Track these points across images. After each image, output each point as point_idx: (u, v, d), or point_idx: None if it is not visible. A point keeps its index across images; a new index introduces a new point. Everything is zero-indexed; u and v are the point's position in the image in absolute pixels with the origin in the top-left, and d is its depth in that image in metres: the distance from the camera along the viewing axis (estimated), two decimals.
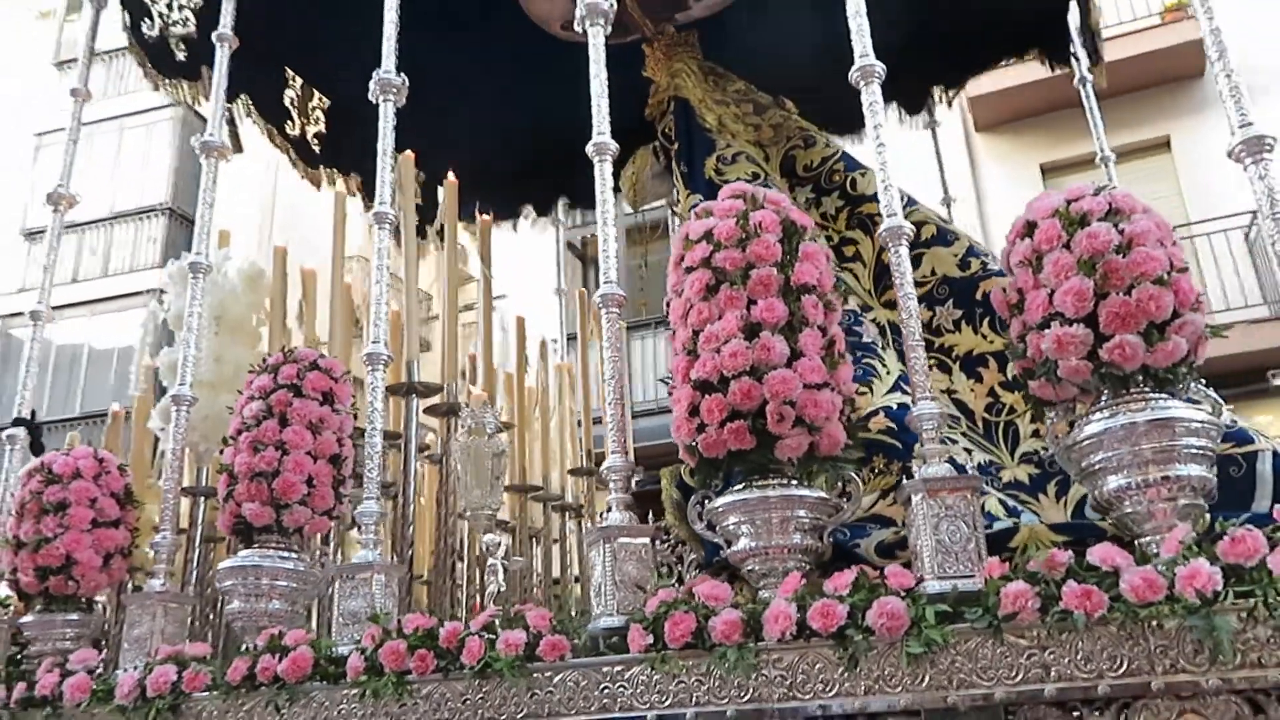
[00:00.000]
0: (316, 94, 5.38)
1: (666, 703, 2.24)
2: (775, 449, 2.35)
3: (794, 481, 2.40)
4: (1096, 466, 2.17)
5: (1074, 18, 4.87)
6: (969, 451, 2.84)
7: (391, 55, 3.39)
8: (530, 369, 5.06)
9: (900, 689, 2.06)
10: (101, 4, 4.34)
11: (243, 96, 4.93)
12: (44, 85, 16.03)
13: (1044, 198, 2.40)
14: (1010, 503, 2.61)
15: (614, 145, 2.93)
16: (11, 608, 3.36)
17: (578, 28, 3.09)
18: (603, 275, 2.80)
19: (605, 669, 2.33)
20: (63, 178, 3.90)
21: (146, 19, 4.57)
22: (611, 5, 3.09)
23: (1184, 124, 11.40)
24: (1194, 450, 2.12)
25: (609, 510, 2.58)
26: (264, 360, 3.20)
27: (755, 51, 4.78)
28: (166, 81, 4.53)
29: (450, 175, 4.04)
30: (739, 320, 2.41)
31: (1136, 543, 2.13)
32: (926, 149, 10.64)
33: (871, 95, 2.67)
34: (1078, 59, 4.90)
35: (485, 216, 4.41)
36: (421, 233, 5.83)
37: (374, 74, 3.34)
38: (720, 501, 2.42)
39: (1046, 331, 2.22)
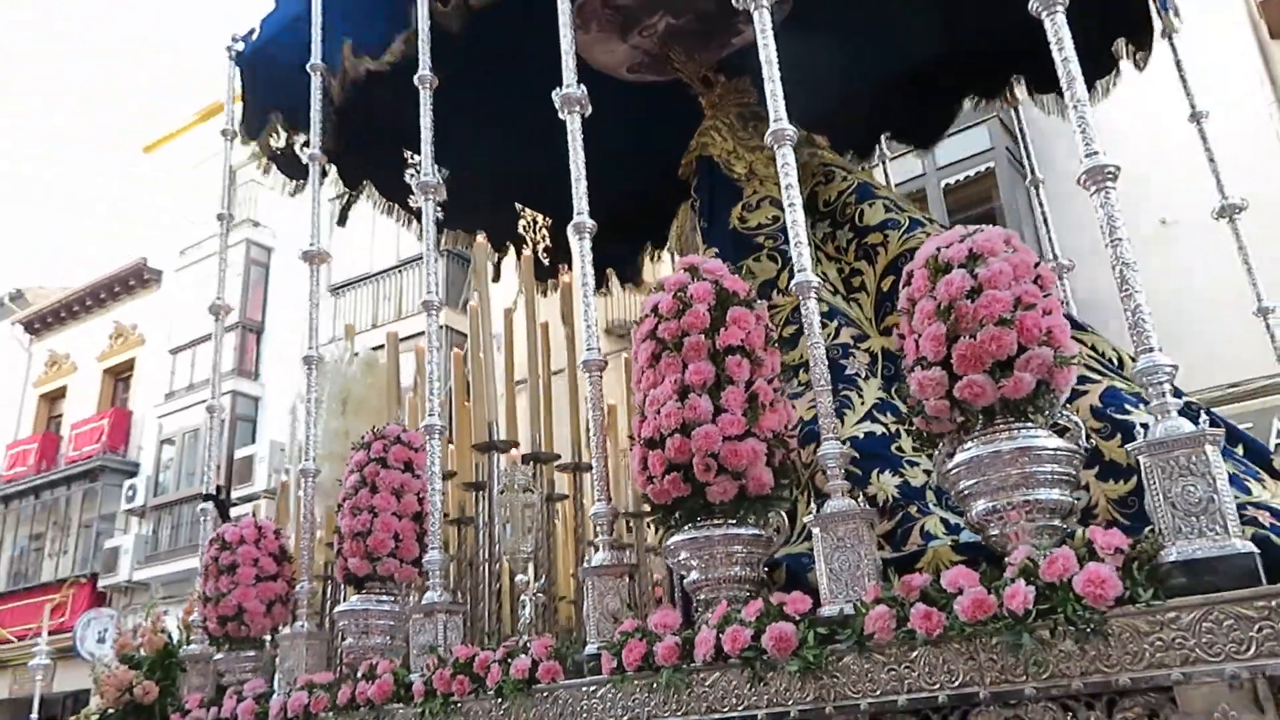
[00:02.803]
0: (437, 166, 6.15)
1: (626, 716, 2.69)
2: (706, 494, 2.72)
3: (731, 521, 2.75)
4: (966, 492, 2.39)
5: None
6: (929, 473, 3.04)
7: (429, 158, 4.01)
8: None
9: (792, 702, 2.40)
10: (234, 134, 5.26)
11: (366, 181, 5.77)
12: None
13: (928, 244, 2.61)
14: (954, 521, 2.81)
15: (591, 223, 3.39)
16: (214, 649, 4.27)
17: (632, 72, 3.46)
18: (585, 343, 3.26)
19: (584, 688, 2.81)
20: (220, 292, 4.79)
21: (274, 134, 5.44)
22: (584, 93, 3.54)
23: None
24: (1049, 475, 2.29)
25: (596, 551, 3.05)
26: (361, 438, 3.91)
27: (801, 71, 5.06)
28: (295, 183, 5.34)
29: (526, 251, 4.61)
30: (674, 384, 2.80)
31: (1006, 561, 2.33)
32: (1209, 59, 9.58)
33: (784, 158, 2.96)
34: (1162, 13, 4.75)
35: (565, 279, 4.94)
36: (554, 273, 6.48)
37: (410, 172, 3.97)
38: (671, 541, 2.82)
39: (912, 375, 2.46)
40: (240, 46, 5.37)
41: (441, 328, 3.75)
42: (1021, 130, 5.57)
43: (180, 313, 18.08)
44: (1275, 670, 1.81)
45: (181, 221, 19.05)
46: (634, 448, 2.91)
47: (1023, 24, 4.98)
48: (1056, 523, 2.30)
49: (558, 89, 3.54)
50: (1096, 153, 2.38)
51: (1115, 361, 3.26)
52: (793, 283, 2.85)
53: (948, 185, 10.50)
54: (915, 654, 2.23)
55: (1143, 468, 2.12)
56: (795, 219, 2.89)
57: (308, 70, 4.61)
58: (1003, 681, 2.11)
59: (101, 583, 17.40)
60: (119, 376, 20.37)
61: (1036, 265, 2.45)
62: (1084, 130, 2.41)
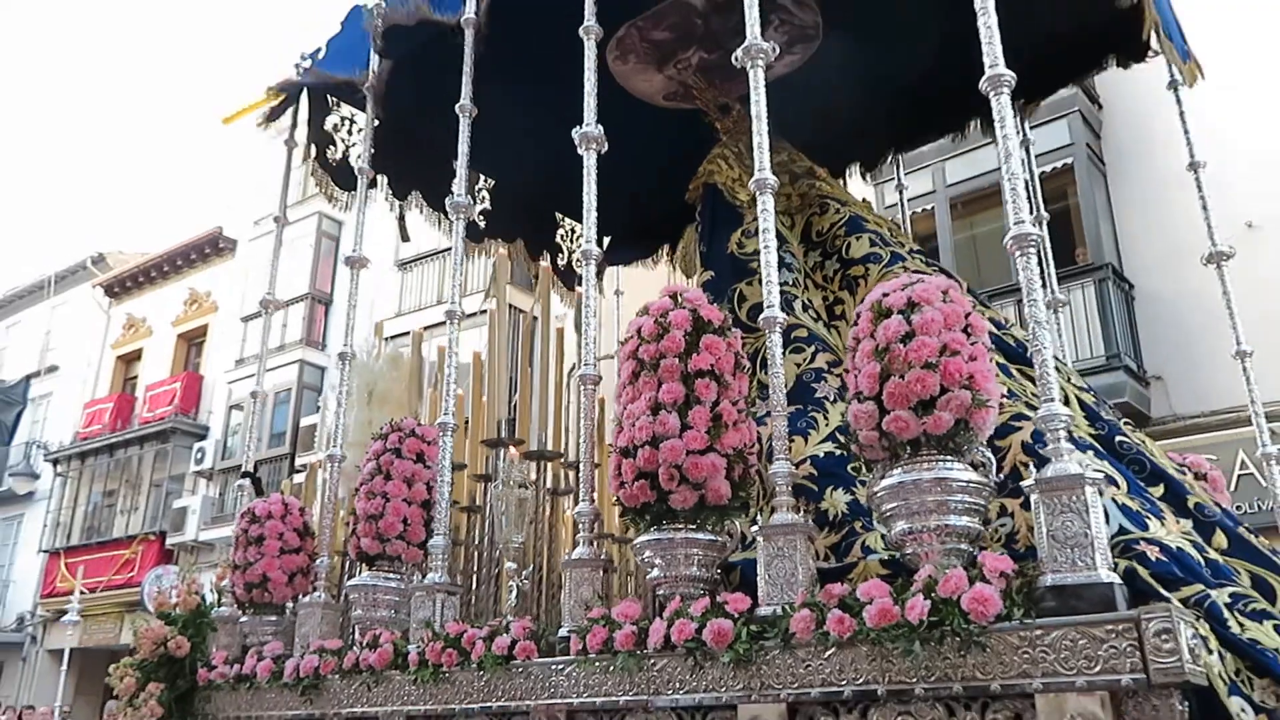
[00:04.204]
0: (482, 178, 6.53)
1: (587, 693, 3.04)
2: (669, 501, 3.05)
3: (691, 526, 3.08)
4: (888, 514, 2.68)
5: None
6: None
7: (463, 181, 4.37)
8: None
9: (725, 689, 2.73)
10: (294, 144, 5.68)
11: (415, 193, 6.15)
12: None
13: (876, 289, 2.91)
14: None
15: (597, 251, 3.76)
16: (241, 612, 4.69)
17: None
18: (581, 359, 3.60)
19: (553, 666, 3.16)
20: (270, 288, 5.22)
21: (331, 145, 5.85)
22: (601, 133, 3.88)
23: None
24: (960, 504, 2.59)
25: (575, 546, 3.40)
26: (380, 429, 4.30)
27: (824, 102, 5.37)
28: (346, 193, 5.74)
29: (544, 262, 4.97)
30: (649, 401, 3.13)
31: (914, 578, 2.63)
32: None
33: (764, 204, 3.27)
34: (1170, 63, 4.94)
35: (578, 289, 5.29)
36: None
37: (447, 198, 4.34)
38: (637, 541, 3.16)
39: (850, 407, 2.77)
40: (307, 64, 5.79)
41: (459, 327, 4.12)
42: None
43: (253, 282, 18.71)
44: (1114, 685, 2.10)
45: (256, 193, 19.72)
46: (612, 455, 3.25)
47: (1017, 47, 5.30)
48: (964, 546, 2.59)
49: (578, 127, 3.88)
50: (1022, 220, 2.66)
51: (1063, 400, 3.51)
52: (761, 317, 3.15)
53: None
54: (829, 653, 2.55)
55: (1033, 503, 2.41)
56: (769, 260, 3.19)
57: (363, 90, 5.00)
58: (899, 681, 2.42)
59: (169, 541, 18.19)
60: (192, 342, 21.26)
61: (968, 315, 2.74)
62: (1014, 201, 2.69)
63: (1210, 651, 2.24)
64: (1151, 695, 2.07)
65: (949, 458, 2.65)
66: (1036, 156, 10.02)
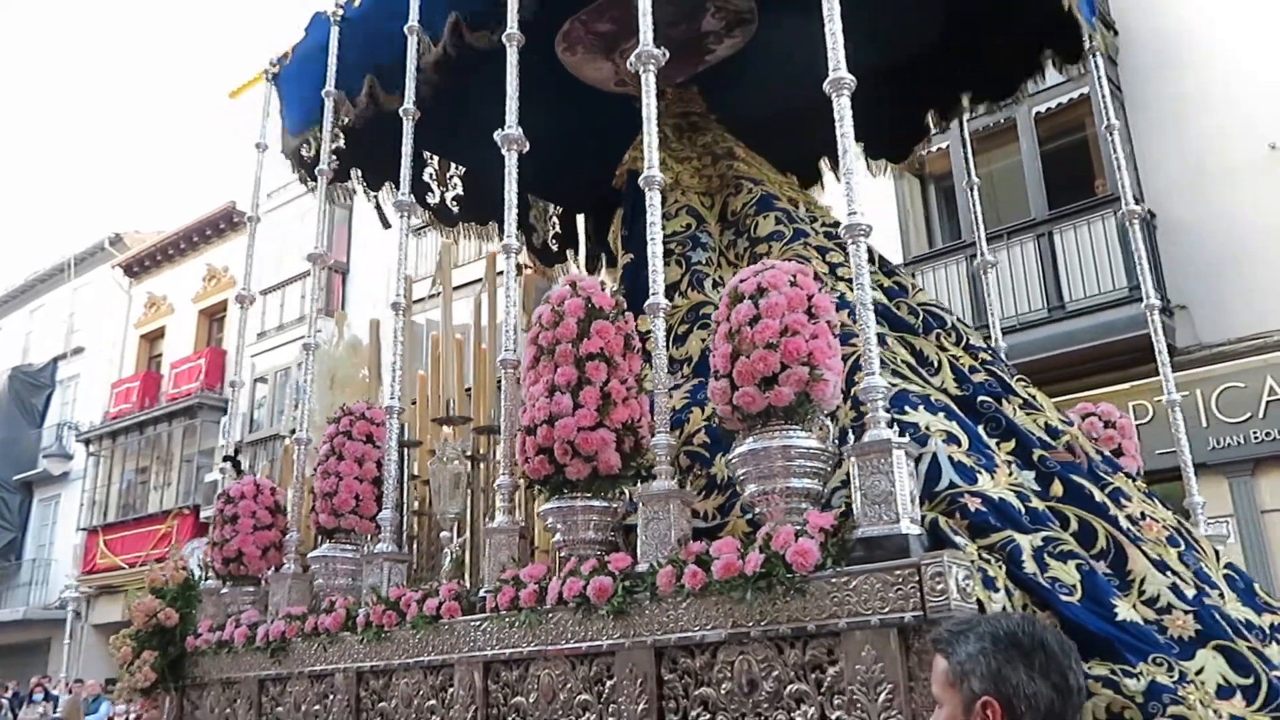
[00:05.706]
0: (453, 165, 6.83)
1: (499, 645, 3.43)
2: (565, 473, 3.39)
3: (587, 495, 3.43)
4: (742, 477, 3.01)
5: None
6: None
7: (407, 182, 4.68)
8: None
9: (605, 636, 3.09)
10: (264, 145, 6.02)
11: (388, 184, 6.47)
12: None
13: (736, 276, 3.22)
14: None
15: (517, 245, 4.07)
16: (222, 584, 5.12)
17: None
18: (501, 344, 3.94)
19: (473, 623, 3.54)
20: (246, 284, 5.58)
21: (305, 145, 6.18)
22: (520, 134, 4.17)
23: None
24: (801, 469, 2.91)
25: (495, 515, 3.76)
26: (334, 414, 4.67)
27: (762, 86, 5.61)
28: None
29: (487, 261, 5.29)
30: (546, 384, 3.47)
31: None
32: None
33: (652, 199, 3.57)
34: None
35: (529, 271, 5.60)
36: (562, 258, 7.25)
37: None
38: (541, 509, 3.52)
39: (709, 384, 3.09)
40: (276, 69, 6.11)
41: (407, 317, 4.48)
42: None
43: (269, 254, 19.06)
44: (900, 622, 2.43)
45: (267, 166, 19.96)
46: (518, 433, 3.59)
47: (961, 40, 5.49)
48: (805, 505, 2.91)
49: (499, 130, 4.17)
50: (856, 214, 2.94)
51: (935, 364, 3.82)
52: (645, 304, 3.46)
53: (1039, 114, 10.48)
54: (686, 603, 2.90)
55: (849, 465, 2.73)
56: (655, 251, 3.49)
57: (323, 96, 5.32)
58: (739, 626, 2.77)
59: (203, 514, 18.57)
60: (213, 317, 21.82)
61: (810, 298, 3.04)
62: (849, 195, 2.98)
63: (997, 590, 2.57)
64: (928, 629, 2.39)
65: (794, 427, 2.96)
66: (1052, 88, 10.05)
